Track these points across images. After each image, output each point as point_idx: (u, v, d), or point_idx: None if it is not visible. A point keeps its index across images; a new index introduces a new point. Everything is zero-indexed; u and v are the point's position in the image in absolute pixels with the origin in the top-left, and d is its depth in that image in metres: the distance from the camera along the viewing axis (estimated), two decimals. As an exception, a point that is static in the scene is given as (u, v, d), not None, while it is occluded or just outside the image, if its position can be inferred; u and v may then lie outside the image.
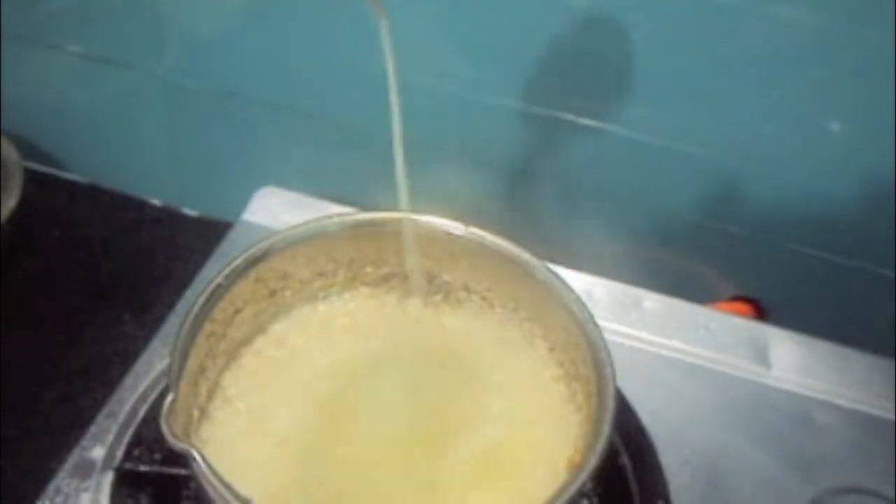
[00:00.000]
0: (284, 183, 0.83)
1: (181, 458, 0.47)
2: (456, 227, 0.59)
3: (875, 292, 0.78)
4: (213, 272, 0.56)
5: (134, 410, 0.64)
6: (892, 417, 0.70)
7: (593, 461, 0.48)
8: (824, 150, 0.71)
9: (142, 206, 0.93)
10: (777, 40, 0.66)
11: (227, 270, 0.56)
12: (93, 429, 0.63)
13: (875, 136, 0.68)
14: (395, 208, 0.59)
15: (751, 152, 0.73)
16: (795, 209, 0.75)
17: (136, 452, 0.61)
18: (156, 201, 0.93)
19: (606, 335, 0.54)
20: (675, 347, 0.73)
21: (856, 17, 0.63)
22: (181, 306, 0.70)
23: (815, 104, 0.69)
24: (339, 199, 0.80)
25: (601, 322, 0.55)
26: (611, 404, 0.50)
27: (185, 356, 0.51)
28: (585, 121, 0.75)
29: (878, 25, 0.63)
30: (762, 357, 0.73)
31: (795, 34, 0.65)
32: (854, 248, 0.76)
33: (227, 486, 0.45)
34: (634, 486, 0.62)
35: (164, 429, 0.46)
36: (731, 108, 0.71)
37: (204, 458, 0.46)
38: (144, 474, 0.60)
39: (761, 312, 0.82)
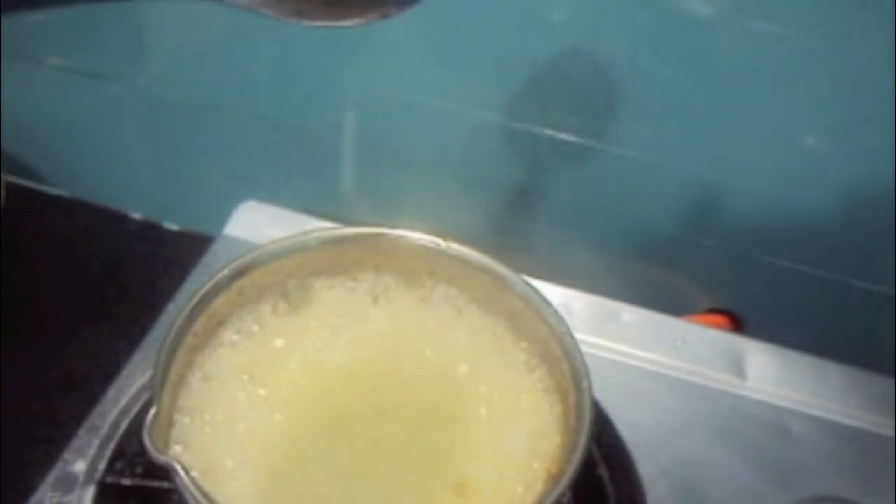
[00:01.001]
0: (266, 197, 0.83)
1: (163, 472, 0.47)
2: (434, 242, 0.60)
3: (850, 304, 0.79)
4: (195, 286, 0.56)
5: (116, 424, 0.64)
6: (867, 427, 0.71)
7: (571, 472, 0.48)
8: (801, 164, 0.72)
9: (123, 219, 0.92)
10: (755, 55, 0.67)
11: (210, 284, 0.56)
12: (75, 442, 0.63)
13: (851, 149, 0.69)
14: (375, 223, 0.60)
15: (728, 165, 0.74)
16: (772, 222, 0.76)
17: (118, 466, 0.61)
18: (137, 215, 0.93)
19: (584, 348, 0.54)
20: (653, 360, 0.74)
21: (831, 32, 0.64)
22: (164, 320, 0.70)
23: (793, 118, 0.69)
24: (320, 214, 0.81)
25: (579, 335, 0.55)
26: (588, 416, 0.51)
27: (167, 369, 0.52)
28: (565, 136, 0.75)
29: (853, 41, 0.64)
30: (738, 369, 0.74)
31: (773, 49, 0.66)
32: (829, 260, 0.77)
33: (210, 499, 0.46)
34: (612, 497, 0.62)
35: (147, 442, 0.47)
36: (708, 121, 0.72)
37: (186, 472, 0.46)
38: (127, 488, 0.60)
39: (737, 324, 0.83)
